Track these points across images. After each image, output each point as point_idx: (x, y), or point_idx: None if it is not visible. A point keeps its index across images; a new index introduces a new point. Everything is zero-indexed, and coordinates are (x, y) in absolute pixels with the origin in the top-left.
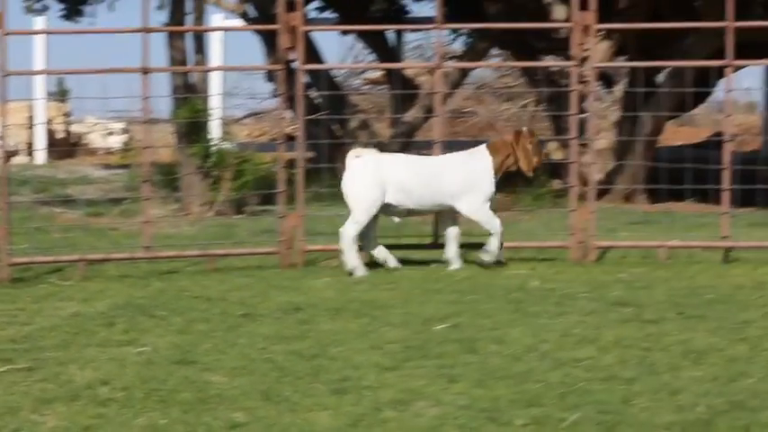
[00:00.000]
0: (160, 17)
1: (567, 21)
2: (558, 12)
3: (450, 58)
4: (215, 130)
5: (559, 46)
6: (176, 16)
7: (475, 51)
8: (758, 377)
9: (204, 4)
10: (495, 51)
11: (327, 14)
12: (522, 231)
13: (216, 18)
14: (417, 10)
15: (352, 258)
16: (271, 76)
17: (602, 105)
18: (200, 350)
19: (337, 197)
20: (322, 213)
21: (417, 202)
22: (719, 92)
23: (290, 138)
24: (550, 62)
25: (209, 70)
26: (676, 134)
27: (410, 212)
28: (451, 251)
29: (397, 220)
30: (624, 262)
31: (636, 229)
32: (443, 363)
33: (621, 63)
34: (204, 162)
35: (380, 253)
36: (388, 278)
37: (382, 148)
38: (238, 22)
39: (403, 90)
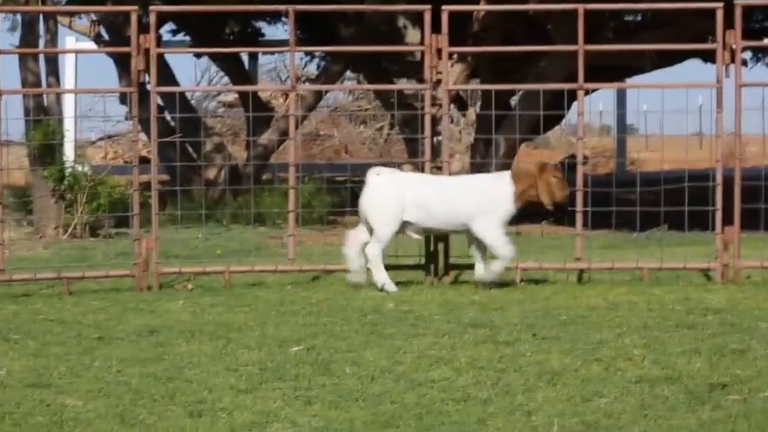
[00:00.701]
0: (12, 39)
1: (420, 44)
2: (412, 35)
3: (305, 81)
4: (69, 152)
5: (413, 69)
6: (29, 38)
7: (329, 74)
8: (612, 397)
9: (57, 27)
10: (350, 74)
11: (181, 37)
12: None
13: (69, 40)
14: (272, 33)
15: (381, 276)
16: (124, 99)
17: (456, 128)
18: (55, 373)
19: (192, 219)
20: (177, 236)
21: (435, 221)
22: (572, 114)
23: (145, 160)
24: (403, 85)
25: (62, 92)
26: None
27: (427, 231)
28: (480, 270)
29: (415, 236)
30: (478, 284)
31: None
32: (299, 385)
33: (475, 86)
34: (58, 184)
35: (357, 262)
36: (244, 300)
37: (237, 171)
38: (91, 45)
39: (257, 113)
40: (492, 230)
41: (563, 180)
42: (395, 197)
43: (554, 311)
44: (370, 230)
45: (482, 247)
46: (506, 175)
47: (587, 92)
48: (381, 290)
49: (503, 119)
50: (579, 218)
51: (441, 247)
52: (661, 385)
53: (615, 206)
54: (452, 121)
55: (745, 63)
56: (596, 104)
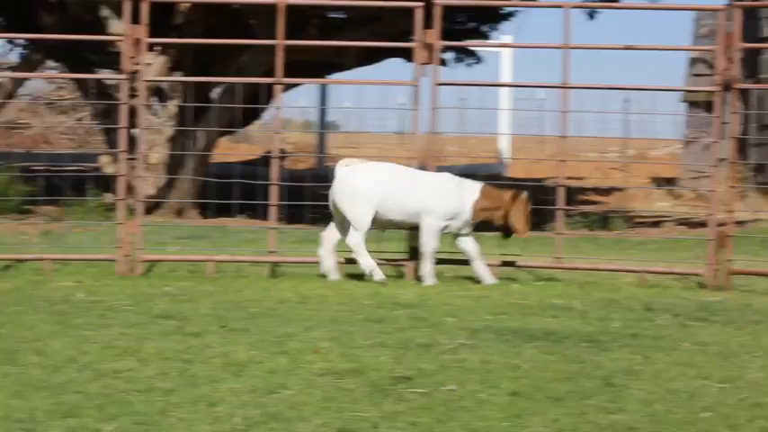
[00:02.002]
0: None
1: (119, 35)
2: (115, 26)
3: (5, 69)
4: None
5: (114, 59)
6: None
7: (29, 62)
8: (297, 389)
9: None
10: (52, 63)
11: None
12: (71, 244)
13: None
14: None
15: (367, 262)
16: None
17: (156, 120)
18: None
19: None
20: None
21: (396, 213)
22: (272, 109)
23: None
24: (102, 75)
25: None
26: (233, 150)
27: (396, 225)
28: (479, 268)
29: (382, 232)
30: (172, 276)
31: (186, 244)
32: None
33: (173, 78)
34: None
35: (329, 260)
36: None
37: None
38: None
39: None
40: (433, 226)
41: (530, 212)
42: (367, 186)
43: (244, 304)
44: (342, 226)
45: (474, 247)
46: (478, 185)
47: (287, 87)
48: (370, 276)
49: (202, 112)
50: (273, 211)
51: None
52: (346, 378)
53: (312, 201)
54: (153, 113)
55: (445, 63)
56: (299, 100)
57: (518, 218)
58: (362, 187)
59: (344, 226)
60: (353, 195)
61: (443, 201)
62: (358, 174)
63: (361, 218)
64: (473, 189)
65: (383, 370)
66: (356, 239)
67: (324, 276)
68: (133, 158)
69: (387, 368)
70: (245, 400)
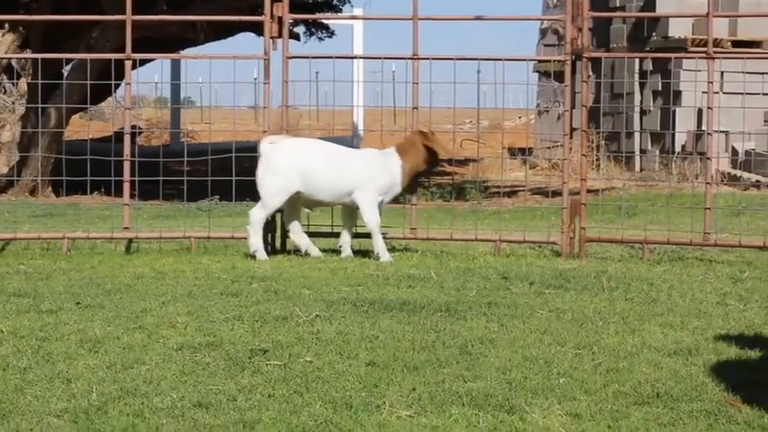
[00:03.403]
0: None
1: None
2: None
3: None
4: None
5: None
6: None
7: None
8: (153, 364)
9: None
10: None
11: None
12: None
13: None
14: None
15: (255, 241)
16: None
17: (8, 98)
18: None
19: None
20: None
21: (327, 193)
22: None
23: None
24: None
25: None
26: (86, 128)
27: (314, 203)
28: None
29: (307, 211)
30: (26, 254)
31: (40, 222)
32: None
33: (22, 55)
34: None
35: (302, 240)
36: None
37: None
38: None
39: None
40: (371, 202)
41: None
42: (286, 166)
43: (99, 280)
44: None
45: (353, 220)
46: (394, 150)
47: (139, 63)
48: (253, 257)
49: (54, 89)
50: (127, 187)
51: None
52: (203, 352)
53: (166, 177)
54: (5, 92)
55: (297, 37)
56: (152, 77)
57: (437, 143)
58: (284, 166)
59: (296, 204)
60: (274, 173)
61: (377, 179)
62: (282, 151)
63: (272, 198)
64: (393, 155)
65: (240, 343)
66: (257, 217)
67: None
68: None
69: (243, 341)
70: (101, 376)
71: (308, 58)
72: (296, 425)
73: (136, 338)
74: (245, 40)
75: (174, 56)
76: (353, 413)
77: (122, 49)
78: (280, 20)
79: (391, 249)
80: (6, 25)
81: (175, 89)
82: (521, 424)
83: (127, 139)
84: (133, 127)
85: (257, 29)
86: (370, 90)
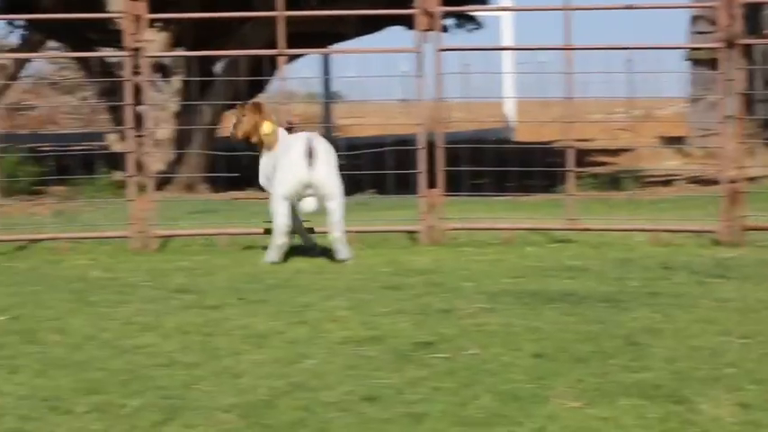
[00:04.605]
0: None
1: (120, 12)
2: (114, 3)
3: (6, 51)
4: None
5: (115, 37)
6: None
7: (30, 43)
8: (318, 358)
9: None
10: (54, 43)
11: None
12: (84, 222)
13: None
14: None
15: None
16: None
17: (161, 96)
18: None
19: None
20: None
21: None
22: (276, 81)
23: None
24: (103, 53)
25: None
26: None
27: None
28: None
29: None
30: (186, 250)
31: (198, 218)
32: (3, 354)
33: (175, 53)
34: None
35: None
36: None
37: None
38: None
39: None
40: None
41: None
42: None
43: (261, 276)
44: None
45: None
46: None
47: (290, 58)
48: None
49: (206, 86)
50: None
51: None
52: (367, 345)
53: None
54: (157, 90)
55: (445, 30)
56: (302, 71)
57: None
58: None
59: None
60: None
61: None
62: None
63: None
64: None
65: (403, 336)
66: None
67: None
68: (141, 135)
69: (407, 334)
70: (268, 370)
71: (461, 50)
72: (464, 417)
73: (299, 333)
74: (390, 34)
75: (329, 51)
76: (521, 405)
77: (272, 45)
78: (431, 13)
79: (550, 240)
80: (158, 23)
81: (326, 84)
82: (690, 415)
83: None
84: (288, 122)
85: (407, 22)
86: (520, 81)
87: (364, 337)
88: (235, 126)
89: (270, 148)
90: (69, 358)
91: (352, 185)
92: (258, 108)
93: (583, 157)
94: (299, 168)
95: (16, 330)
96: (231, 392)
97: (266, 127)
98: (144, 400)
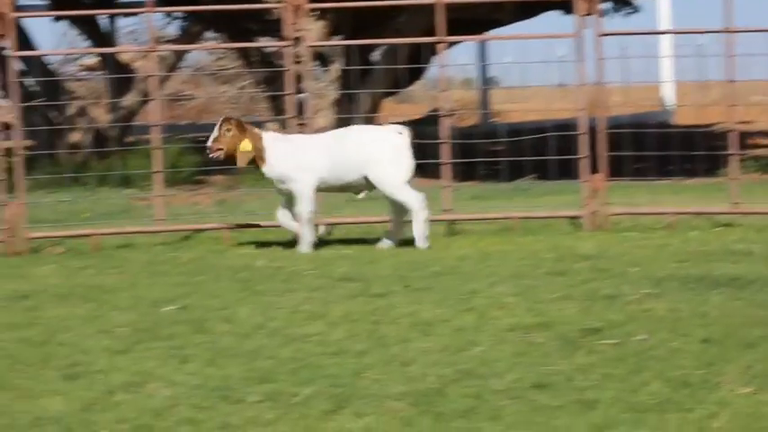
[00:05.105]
0: None
1: (279, 2)
2: None
3: (165, 42)
4: None
5: (274, 27)
6: None
7: (189, 34)
8: (486, 346)
9: None
10: (211, 34)
11: (39, 1)
12: (246, 211)
13: None
14: None
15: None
16: None
17: (319, 85)
18: None
19: (58, 184)
20: (44, 200)
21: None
22: (434, 68)
23: (7, 126)
24: (264, 43)
25: None
26: (396, 111)
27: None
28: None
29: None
30: (348, 238)
31: (358, 206)
32: (174, 344)
33: (336, 42)
34: None
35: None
36: (114, 262)
37: (101, 133)
38: None
39: (119, 75)
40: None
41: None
42: None
43: (425, 263)
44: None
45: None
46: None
47: (448, 45)
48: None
49: (365, 74)
50: (447, 170)
51: None
52: (535, 332)
53: (481, 157)
54: (315, 78)
55: (603, 13)
56: (458, 58)
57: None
58: None
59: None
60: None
61: None
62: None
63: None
64: None
65: (571, 323)
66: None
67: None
68: (302, 124)
69: (574, 320)
70: (436, 358)
71: (621, 35)
72: (635, 404)
73: (466, 320)
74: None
75: (490, 38)
76: (692, 391)
77: (429, 33)
78: None
79: (713, 225)
80: (316, 12)
81: (483, 70)
82: None
83: (444, 122)
84: (440, 110)
85: (562, 6)
86: (678, 64)
87: (531, 324)
88: (215, 140)
89: (254, 162)
90: (239, 347)
91: (514, 171)
92: (240, 126)
93: (744, 139)
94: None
95: (185, 320)
96: (400, 380)
97: (244, 145)
98: (314, 389)
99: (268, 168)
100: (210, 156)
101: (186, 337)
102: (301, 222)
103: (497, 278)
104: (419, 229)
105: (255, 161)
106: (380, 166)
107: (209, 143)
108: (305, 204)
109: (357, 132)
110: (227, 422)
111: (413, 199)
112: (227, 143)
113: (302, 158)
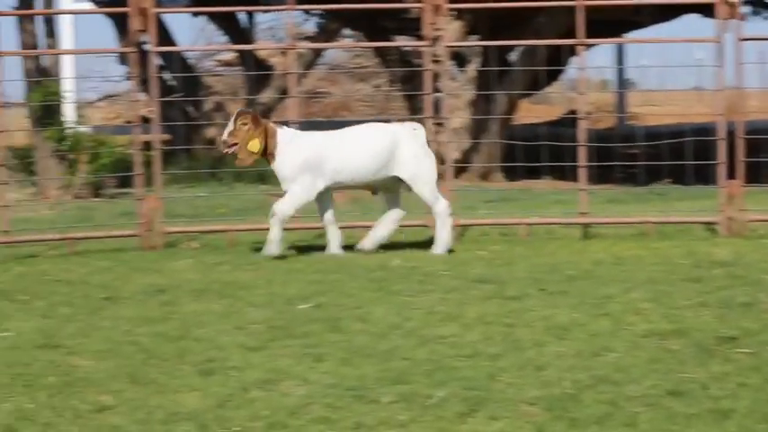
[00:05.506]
0: (10, 1)
1: (418, 1)
2: None
3: (303, 39)
4: (69, 113)
5: (411, 26)
6: (26, 0)
7: (327, 32)
8: (622, 351)
9: None
10: (349, 32)
11: None
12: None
13: (66, 1)
14: None
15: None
16: (123, 59)
17: (455, 84)
18: (64, 334)
19: (194, 179)
20: (180, 195)
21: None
22: (572, 70)
23: (145, 120)
24: (403, 42)
25: (61, 53)
26: (531, 112)
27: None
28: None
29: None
30: (484, 240)
31: (494, 207)
32: (308, 342)
33: (474, 42)
34: (60, 145)
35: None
36: (250, 259)
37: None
38: (89, 5)
39: (256, 71)
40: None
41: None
42: None
43: (560, 266)
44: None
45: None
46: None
47: (586, 47)
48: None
49: (502, 75)
50: (583, 172)
51: None
52: (670, 339)
53: (617, 160)
54: (451, 78)
55: (743, 18)
56: (595, 60)
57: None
58: None
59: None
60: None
61: None
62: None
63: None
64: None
65: (707, 330)
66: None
67: None
68: (439, 123)
69: (710, 328)
70: (571, 363)
71: (762, 39)
72: None
73: (602, 325)
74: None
75: (626, 40)
76: None
77: (567, 35)
78: (731, 3)
79: None
80: (453, 12)
81: (620, 73)
82: None
83: (582, 124)
84: (578, 112)
85: (702, 10)
86: None
87: (667, 331)
88: (231, 134)
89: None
90: (374, 347)
91: (651, 174)
92: (256, 120)
93: None
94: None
95: (320, 318)
96: (535, 385)
97: (252, 144)
98: (449, 391)
99: (274, 164)
100: (225, 151)
101: (321, 336)
102: (272, 220)
103: (632, 283)
104: (443, 236)
105: (266, 156)
106: (409, 166)
107: (223, 137)
108: (292, 204)
109: (375, 131)
110: (361, 422)
111: (437, 199)
112: (242, 138)
113: (312, 160)
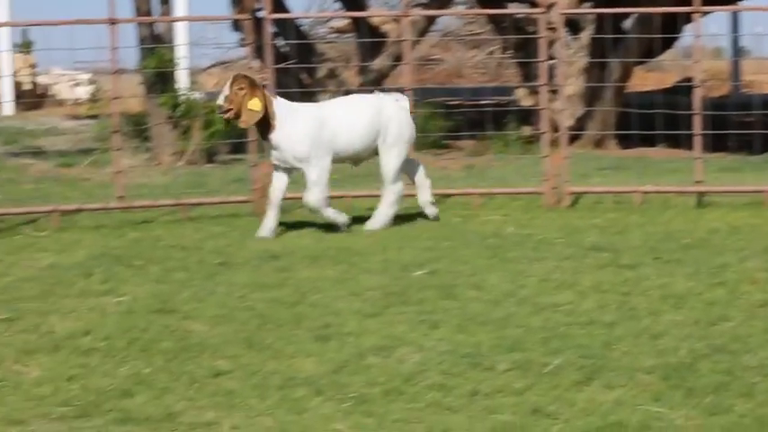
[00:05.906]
0: None
1: None
2: None
3: (416, 6)
4: (182, 79)
5: None
6: None
7: None
8: (738, 321)
9: None
10: None
11: None
12: (494, 178)
13: None
14: None
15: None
16: (237, 26)
17: (569, 52)
18: (180, 299)
19: None
20: None
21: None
22: (687, 37)
23: None
24: (516, 9)
25: (175, 20)
26: (644, 79)
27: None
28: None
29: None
30: (598, 207)
31: (608, 175)
32: (423, 309)
33: (588, 10)
34: (173, 112)
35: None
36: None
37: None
38: None
39: (370, 38)
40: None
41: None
42: None
43: (675, 235)
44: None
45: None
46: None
47: (702, 15)
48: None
49: (616, 42)
50: (698, 140)
51: None
52: None
53: (732, 129)
54: (565, 45)
55: None
56: (709, 27)
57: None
58: None
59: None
60: None
61: None
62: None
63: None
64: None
65: None
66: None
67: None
68: (553, 91)
69: None
70: (687, 332)
71: None
72: None
73: (717, 294)
74: None
75: (743, 8)
76: None
77: (683, 2)
78: None
79: None
80: None
81: (735, 40)
82: None
83: (697, 92)
84: (693, 80)
85: None
86: None
87: None
88: (227, 99)
89: (265, 122)
90: (488, 314)
91: (766, 143)
92: (253, 84)
93: None
94: None
95: (434, 285)
96: (651, 353)
97: (253, 103)
98: (564, 359)
99: (275, 136)
100: (221, 116)
101: (435, 303)
102: (317, 213)
103: (748, 252)
104: (387, 212)
105: (260, 128)
106: (390, 137)
107: (219, 101)
108: (320, 189)
109: (365, 101)
110: (477, 389)
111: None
112: (238, 103)
113: (317, 133)
